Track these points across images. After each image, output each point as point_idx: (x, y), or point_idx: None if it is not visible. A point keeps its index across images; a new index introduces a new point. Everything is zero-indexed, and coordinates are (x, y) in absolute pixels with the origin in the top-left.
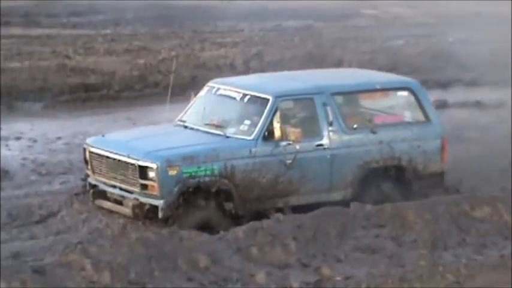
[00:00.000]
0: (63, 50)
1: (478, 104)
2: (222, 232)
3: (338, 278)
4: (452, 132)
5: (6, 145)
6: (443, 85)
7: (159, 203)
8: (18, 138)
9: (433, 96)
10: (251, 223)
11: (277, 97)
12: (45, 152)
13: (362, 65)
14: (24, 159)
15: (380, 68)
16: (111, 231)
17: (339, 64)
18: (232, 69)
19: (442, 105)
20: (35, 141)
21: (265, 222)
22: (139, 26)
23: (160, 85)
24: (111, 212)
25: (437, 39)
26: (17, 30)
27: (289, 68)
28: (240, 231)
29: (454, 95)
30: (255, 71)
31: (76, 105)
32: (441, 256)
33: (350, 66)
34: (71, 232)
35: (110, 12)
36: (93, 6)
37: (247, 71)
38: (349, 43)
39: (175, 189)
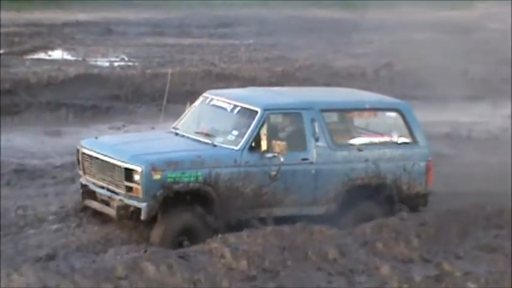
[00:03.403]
0: (210, 58)
1: None
2: (348, 228)
3: (458, 274)
4: None
5: None
6: None
7: (142, 205)
8: None
9: None
10: (377, 220)
11: (265, 110)
12: None
13: (486, 76)
14: None
15: (502, 79)
16: None
17: (464, 74)
18: (363, 78)
19: None
20: None
21: (390, 220)
22: (279, 37)
23: None
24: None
25: None
26: (170, 40)
27: (417, 78)
28: (367, 227)
29: None
30: (384, 80)
31: None
32: None
33: (474, 77)
34: None
35: (253, 24)
36: (238, 18)
37: (377, 79)
38: (473, 55)
39: (159, 193)
